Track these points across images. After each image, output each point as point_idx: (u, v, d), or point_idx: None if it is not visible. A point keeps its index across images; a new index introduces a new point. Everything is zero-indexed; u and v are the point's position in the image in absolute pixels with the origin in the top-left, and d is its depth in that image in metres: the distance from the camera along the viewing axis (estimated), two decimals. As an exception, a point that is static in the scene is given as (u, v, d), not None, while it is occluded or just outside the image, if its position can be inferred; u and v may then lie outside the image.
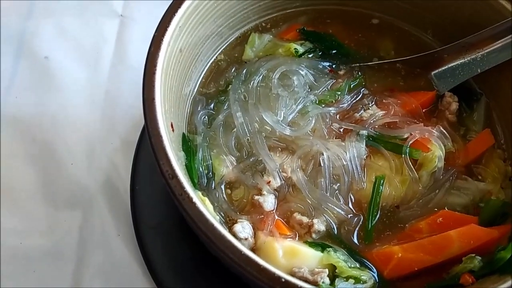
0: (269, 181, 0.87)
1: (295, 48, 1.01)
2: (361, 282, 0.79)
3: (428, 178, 0.90)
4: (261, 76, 0.96)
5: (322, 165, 0.88)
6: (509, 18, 0.91)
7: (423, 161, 0.90)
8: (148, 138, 0.70)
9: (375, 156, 0.91)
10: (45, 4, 1.31)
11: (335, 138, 0.93)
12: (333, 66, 1.02)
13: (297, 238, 0.84)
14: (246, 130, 0.90)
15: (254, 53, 1.03)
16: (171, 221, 0.97)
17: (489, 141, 0.95)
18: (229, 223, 0.84)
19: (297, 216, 0.85)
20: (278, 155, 0.91)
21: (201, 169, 0.87)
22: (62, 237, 1.01)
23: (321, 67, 1.01)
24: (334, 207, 0.86)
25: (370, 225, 0.86)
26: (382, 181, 0.88)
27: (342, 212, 0.86)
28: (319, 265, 0.80)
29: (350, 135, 0.92)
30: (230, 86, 0.97)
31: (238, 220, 0.84)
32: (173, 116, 0.82)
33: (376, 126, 0.93)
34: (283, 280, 0.64)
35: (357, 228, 0.86)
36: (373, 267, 0.82)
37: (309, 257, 0.80)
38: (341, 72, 1.02)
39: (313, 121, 0.93)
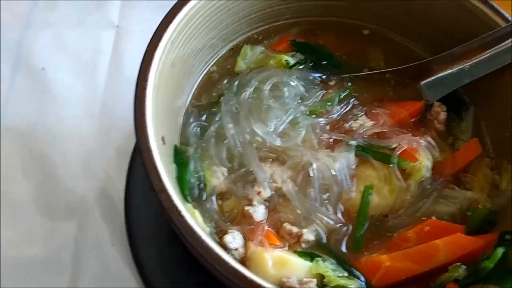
0: (260, 192, 0.88)
1: (286, 60, 1.03)
2: (350, 291, 0.80)
3: (416, 188, 0.91)
4: (253, 88, 0.98)
5: (311, 175, 0.89)
6: (495, 30, 0.92)
7: (411, 170, 0.91)
8: (139, 152, 0.72)
9: (364, 166, 0.93)
10: (42, 15, 1.33)
11: (325, 148, 0.94)
12: (324, 77, 1.04)
13: (287, 248, 0.86)
14: (237, 141, 0.92)
15: (246, 65, 1.04)
16: (165, 231, 0.99)
17: (477, 150, 0.97)
18: (220, 234, 0.86)
19: (287, 226, 0.86)
20: (269, 165, 0.92)
21: (192, 180, 0.89)
22: (57, 247, 1.03)
23: (311, 78, 1.02)
24: (324, 217, 0.87)
25: (358, 234, 0.87)
26: (370, 190, 0.89)
27: (331, 222, 0.88)
28: (308, 274, 0.81)
29: (340, 145, 0.94)
30: (222, 97, 0.98)
31: (229, 230, 0.85)
32: (165, 129, 0.84)
33: (366, 136, 0.95)
34: (269, 291, 0.65)
35: (346, 238, 0.88)
36: (362, 276, 0.83)
37: (298, 267, 0.82)
38: (332, 83, 1.03)
39: (304, 132, 0.94)
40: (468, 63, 0.97)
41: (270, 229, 0.87)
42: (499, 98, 0.97)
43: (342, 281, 0.81)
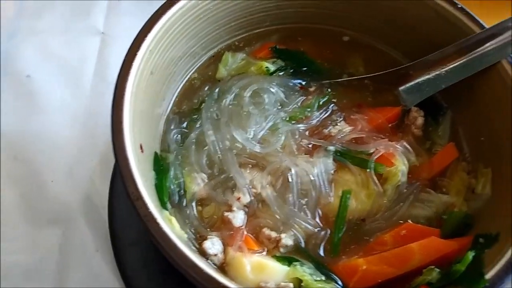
0: (239, 197, 0.90)
1: (266, 67, 1.05)
2: (327, 295, 0.82)
3: (393, 192, 0.92)
4: (233, 95, 1.00)
5: (290, 180, 0.91)
6: (470, 36, 0.94)
7: (388, 175, 0.93)
8: (116, 161, 0.73)
9: (342, 171, 0.94)
10: (28, 23, 1.34)
11: (304, 154, 0.95)
12: (304, 83, 1.05)
13: (265, 253, 0.87)
14: (218, 147, 0.93)
15: (227, 72, 1.06)
16: (148, 237, 1.00)
17: (453, 154, 0.98)
18: (200, 240, 0.87)
19: (266, 231, 0.88)
20: (248, 171, 0.94)
21: (172, 187, 0.90)
22: (42, 253, 1.04)
23: (291, 84, 1.04)
24: (302, 221, 0.89)
25: (336, 238, 0.89)
26: (348, 195, 0.91)
27: (310, 227, 0.89)
28: (286, 279, 0.83)
29: (319, 150, 0.95)
30: (203, 104, 1.00)
31: (208, 236, 0.86)
32: (143, 136, 0.85)
33: (344, 142, 0.96)
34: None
35: (324, 242, 0.89)
36: (339, 280, 0.85)
37: (276, 272, 0.83)
38: (312, 89, 1.05)
39: (283, 138, 0.96)
40: (444, 69, 0.98)
41: (249, 234, 0.88)
42: (475, 103, 0.99)
43: (319, 285, 0.82)
